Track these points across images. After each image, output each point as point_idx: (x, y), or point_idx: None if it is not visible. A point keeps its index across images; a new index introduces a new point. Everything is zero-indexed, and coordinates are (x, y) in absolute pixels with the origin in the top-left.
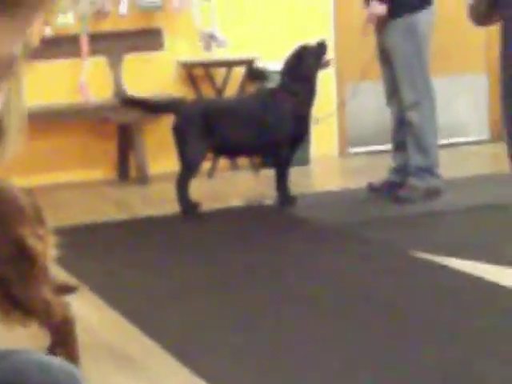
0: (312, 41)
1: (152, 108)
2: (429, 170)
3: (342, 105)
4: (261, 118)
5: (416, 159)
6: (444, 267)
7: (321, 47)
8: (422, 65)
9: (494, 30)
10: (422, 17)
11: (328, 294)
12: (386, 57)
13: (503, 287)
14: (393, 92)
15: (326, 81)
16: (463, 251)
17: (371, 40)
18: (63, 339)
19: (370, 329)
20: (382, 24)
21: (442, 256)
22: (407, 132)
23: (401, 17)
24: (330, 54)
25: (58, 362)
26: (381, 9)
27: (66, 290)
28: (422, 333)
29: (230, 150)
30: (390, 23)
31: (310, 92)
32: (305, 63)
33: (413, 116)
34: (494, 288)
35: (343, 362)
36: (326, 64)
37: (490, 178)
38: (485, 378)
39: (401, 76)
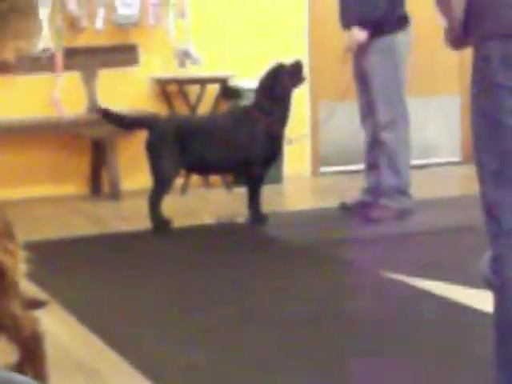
0: (287, 60)
1: (126, 123)
2: (401, 191)
3: (315, 126)
4: (234, 136)
5: (388, 179)
6: (413, 288)
7: (296, 66)
8: (399, 85)
9: (468, 52)
10: (399, 37)
11: (296, 312)
12: (362, 77)
13: (468, 307)
14: (368, 112)
15: (299, 100)
16: (433, 272)
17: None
18: (32, 355)
19: (337, 347)
20: (361, 47)
21: (412, 276)
22: (380, 152)
23: (379, 38)
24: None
25: (21, 379)
26: (361, 35)
27: (36, 305)
28: (390, 351)
29: (202, 167)
30: (369, 43)
31: (284, 111)
32: (280, 82)
33: (387, 136)
34: (461, 309)
35: (312, 379)
36: (301, 80)
37: (460, 200)
38: None
39: (377, 96)
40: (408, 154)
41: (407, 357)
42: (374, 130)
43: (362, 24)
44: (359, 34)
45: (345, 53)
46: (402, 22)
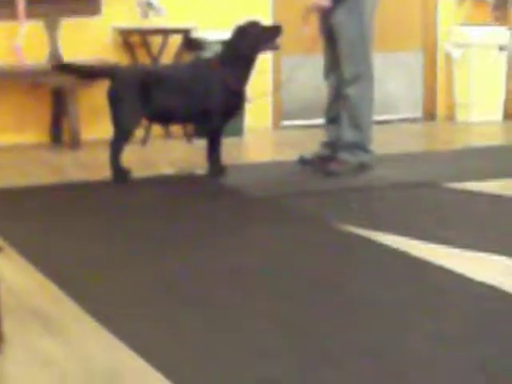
0: (250, 12)
1: (87, 74)
2: (360, 146)
3: (277, 83)
4: (193, 86)
5: (348, 134)
6: (369, 241)
7: (273, 31)
8: (365, 42)
9: (430, 7)
10: None
11: (252, 264)
12: (328, 32)
13: (426, 262)
14: (332, 66)
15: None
16: (389, 226)
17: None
18: None
19: (292, 301)
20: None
21: (369, 230)
22: (342, 107)
23: None
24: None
25: None
26: (325, 1)
27: None
28: (345, 307)
29: (162, 116)
30: (335, 1)
31: (246, 70)
32: (248, 42)
33: (350, 91)
34: (417, 263)
35: (267, 332)
36: (274, 47)
37: (420, 156)
38: (408, 353)
39: (343, 51)
40: (370, 111)
41: (357, 307)
42: (337, 84)
43: None
44: (324, 1)
45: (307, 12)
46: None
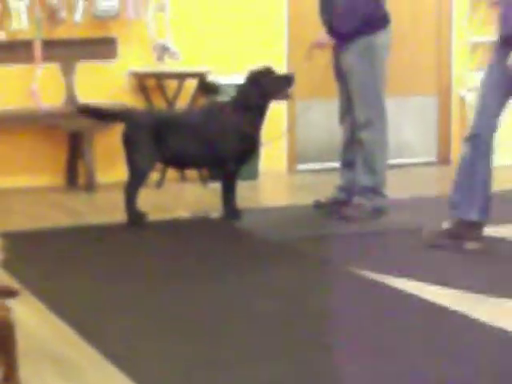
0: (266, 57)
1: (104, 116)
2: (375, 190)
3: (292, 124)
4: (208, 131)
5: (363, 178)
6: (383, 285)
7: (286, 80)
8: (378, 85)
9: (444, 53)
10: (379, 37)
11: (266, 306)
12: (342, 76)
13: (441, 307)
14: (347, 111)
15: None
16: (404, 270)
17: (323, 58)
18: (3, 342)
19: (304, 344)
20: (338, 44)
21: (384, 274)
22: (357, 151)
23: (359, 38)
24: (282, 71)
25: None
26: (326, 38)
27: (8, 293)
28: (356, 347)
29: (177, 161)
30: (349, 44)
31: (260, 115)
32: (264, 89)
33: (364, 136)
34: (431, 307)
35: (275, 372)
36: (286, 97)
37: (434, 200)
38: None
39: (356, 95)
40: (385, 155)
41: (371, 351)
42: (351, 128)
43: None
44: (324, 37)
45: (310, 48)
46: (382, 22)
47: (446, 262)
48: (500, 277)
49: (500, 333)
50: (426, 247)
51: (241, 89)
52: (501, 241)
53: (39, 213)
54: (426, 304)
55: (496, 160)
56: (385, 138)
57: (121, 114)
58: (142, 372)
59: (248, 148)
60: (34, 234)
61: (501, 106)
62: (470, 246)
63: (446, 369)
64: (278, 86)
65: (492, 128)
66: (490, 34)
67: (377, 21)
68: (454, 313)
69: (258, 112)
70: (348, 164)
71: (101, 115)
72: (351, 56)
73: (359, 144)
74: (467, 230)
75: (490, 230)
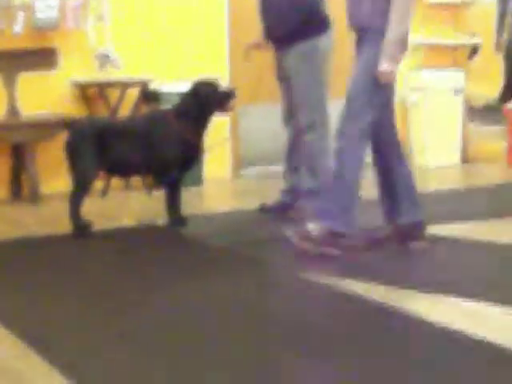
0: (207, 63)
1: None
2: (318, 193)
3: (232, 133)
4: (150, 139)
5: (307, 181)
6: (329, 288)
7: (228, 95)
8: (320, 89)
9: None
10: (321, 41)
11: (212, 312)
12: (284, 79)
13: (388, 306)
14: (290, 113)
15: None
16: (352, 273)
17: (263, 60)
18: None
19: (250, 348)
20: (279, 48)
21: (331, 277)
22: (301, 154)
23: (301, 42)
24: (224, 77)
25: None
26: (261, 40)
27: None
28: (309, 354)
29: (121, 169)
30: (290, 48)
31: (202, 125)
32: (205, 102)
33: (306, 139)
34: (379, 308)
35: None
36: (226, 110)
37: (376, 200)
38: None
39: (298, 98)
40: (327, 157)
41: (320, 357)
42: (295, 131)
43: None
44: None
45: (246, 50)
46: (322, 25)
47: (392, 261)
48: (442, 275)
49: (441, 330)
50: (372, 248)
51: (183, 98)
52: (439, 238)
53: None
54: (372, 305)
55: (431, 160)
56: (327, 142)
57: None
58: (90, 382)
59: (191, 155)
60: None
61: None
62: (415, 245)
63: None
64: (219, 99)
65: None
66: (430, 35)
67: (317, 24)
68: (403, 314)
69: (200, 121)
70: (292, 167)
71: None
72: (293, 60)
73: (302, 146)
74: (413, 230)
75: (428, 228)
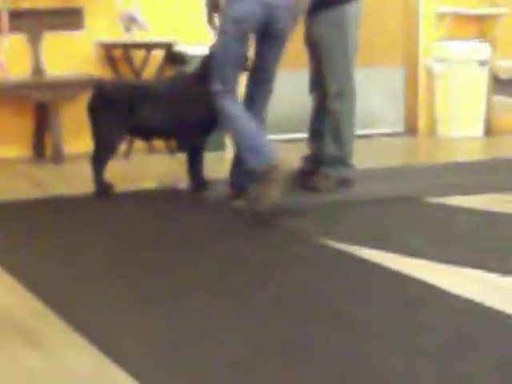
0: None
1: None
2: (342, 160)
3: None
4: (174, 102)
5: (331, 148)
6: (350, 255)
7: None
8: (347, 57)
9: (411, 23)
10: (349, 10)
11: (236, 279)
12: (312, 47)
13: (406, 276)
14: (317, 81)
15: None
16: (372, 241)
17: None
18: None
19: (277, 315)
20: (309, 15)
21: (351, 245)
22: (326, 121)
23: (329, 10)
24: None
25: None
26: None
27: None
28: (329, 320)
29: (144, 131)
30: (318, 15)
31: None
32: None
33: (334, 106)
34: (397, 277)
35: (248, 348)
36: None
37: (401, 170)
38: (384, 368)
39: (327, 66)
40: (353, 125)
41: (343, 325)
42: (321, 99)
43: None
44: None
45: None
46: None
47: (412, 231)
48: (462, 246)
49: (461, 301)
50: (391, 217)
51: (202, 62)
52: (460, 210)
53: (6, 184)
54: (391, 273)
55: (455, 131)
56: (354, 109)
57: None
58: (113, 344)
59: (213, 119)
60: (1, 206)
61: None
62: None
63: (408, 338)
64: None
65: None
66: (456, 4)
67: None
68: (417, 281)
69: None
70: (315, 134)
71: None
72: (322, 27)
73: (329, 114)
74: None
75: (450, 200)
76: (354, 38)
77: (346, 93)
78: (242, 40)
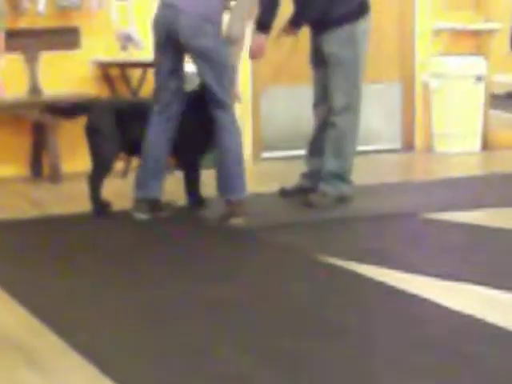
0: None
1: (69, 111)
2: (341, 176)
3: (256, 111)
4: None
5: (331, 164)
6: (347, 271)
7: None
8: (357, 72)
9: (407, 39)
10: (360, 26)
11: (232, 295)
12: (320, 61)
13: (403, 292)
14: (322, 97)
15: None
16: (369, 257)
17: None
18: None
19: (273, 329)
20: (318, 32)
21: (349, 261)
22: (328, 136)
23: (340, 27)
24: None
25: None
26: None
27: None
28: (326, 336)
29: (141, 150)
30: (329, 33)
31: None
32: None
33: (338, 120)
34: (394, 292)
35: (243, 362)
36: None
37: (398, 187)
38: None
39: (336, 81)
40: (355, 142)
41: (338, 340)
42: (325, 114)
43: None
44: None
45: (278, 34)
46: (362, 10)
47: (409, 247)
48: (459, 262)
49: (459, 316)
50: (389, 233)
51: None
52: (457, 225)
53: (3, 203)
54: (388, 288)
55: (452, 147)
56: (357, 124)
57: (84, 105)
58: (107, 360)
59: (209, 137)
60: None
61: None
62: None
63: (404, 353)
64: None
65: None
66: (452, 20)
67: (359, 8)
68: (414, 297)
69: None
70: (316, 151)
71: (66, 111)
72: (333, 44)
73: (331, 129)
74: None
75: (447, 215)
76: (364, 54)
77: (352, 108)
78: (162, 52)
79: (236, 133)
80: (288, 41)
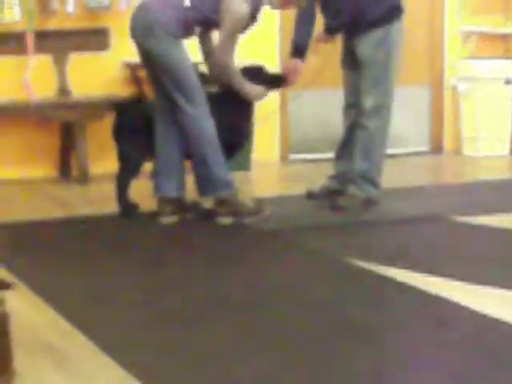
0: (257, 50)
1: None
2: (370, 179)
3: (284, 114)
4: None
5: (360, 166)
6: (375, 274)
7: (277, 80)
8: (390, 74)
9: (437, 41)
10: (394, 28)
11: (260, 298)
12: (353, 64)
13: (432, 296)
14: (354, 99)
15: None
16: (397, 260)
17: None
18: None
19: (302, 331)
20: (351, 36)
21: (377, 264)
22: (358, 138)
23: (374, 29)
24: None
25: None
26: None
27: (2, 286)
28: (355, 337)
29: None
30: (364, 35)
31: (248, 107)
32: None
33: (369, 122)
34: (423, 296)
35: (273, 364)
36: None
37: (427, 190)
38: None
39: (368, 83)
40: (384, 144)
41: (370, 344)
42: (355, 116)
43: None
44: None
45: (316, 43)
46: (396, 11)
47: (438, 250)
48: (489, 265)
49: (487, 320)
50: (417, 236)
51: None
52: (486, 228)
53: (32, 204)
54: (417, 292)
55: (481, 150)
56: (388, 127)
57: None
58: (136, 361)
59: (234, 140)
60: (27, 226)
61: None
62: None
63: (435, 356)
64: (267, 84)
65: None
66: (481, 24)
67: (393, 10)
68: (443, 301)
69: (246, 105)
70: (345, 153)
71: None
72: (368, 46)
73: (362, 131)
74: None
75: (476, 218)
76: (397, 56)
77: (384, 111)
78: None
79: (198, 134)
80: (325, 48)
